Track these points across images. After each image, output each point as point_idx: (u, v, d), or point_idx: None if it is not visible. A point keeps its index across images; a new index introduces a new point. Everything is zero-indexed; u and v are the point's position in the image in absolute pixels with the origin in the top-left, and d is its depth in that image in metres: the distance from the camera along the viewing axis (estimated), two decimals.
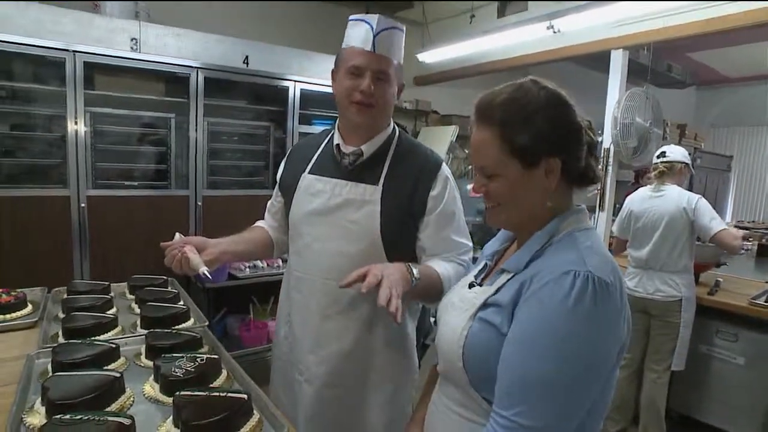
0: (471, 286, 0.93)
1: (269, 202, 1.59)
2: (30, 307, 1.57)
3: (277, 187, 1.52)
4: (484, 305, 0.84)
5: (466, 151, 5.73)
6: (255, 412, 0.95)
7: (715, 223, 2.52)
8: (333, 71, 1.32)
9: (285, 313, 1.43)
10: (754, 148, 8.03)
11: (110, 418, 0.84)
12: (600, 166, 0.90)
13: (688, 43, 4.45)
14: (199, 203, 2.99)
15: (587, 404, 0.75)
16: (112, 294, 1.67)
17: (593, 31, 3.46)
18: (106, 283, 1.75)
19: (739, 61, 6.48)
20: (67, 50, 2.52)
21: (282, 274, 1.51)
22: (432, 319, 2.14)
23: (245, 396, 0.94)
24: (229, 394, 0.94)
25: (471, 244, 1.35)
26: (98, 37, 2.59)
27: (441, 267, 1.23)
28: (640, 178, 5.05)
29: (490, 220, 0.89)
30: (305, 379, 1.34)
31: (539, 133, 0.81)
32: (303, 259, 1.34)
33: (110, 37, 2.63)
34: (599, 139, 3.50)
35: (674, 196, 2.62)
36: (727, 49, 5.83)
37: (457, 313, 0.88)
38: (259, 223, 1.59)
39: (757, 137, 8.04)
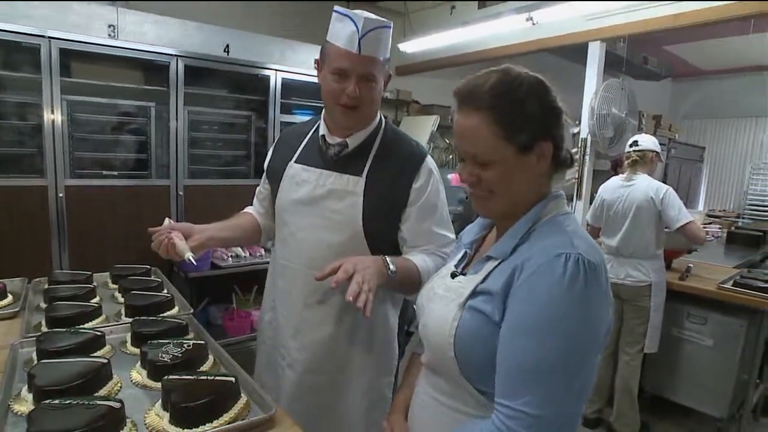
0: (453, 275, 0.92)
1: (257, 189, 1.60)
2: (10, 297, 1.55)
3: (264, 174, 1.53)
4: (473, 294, 0.83)
5: (447, 141, 5.77)
6: (242, 395, 0.98)
7: (682, 215, 2.60)
8: (318, 61, 1.30)
9: (270, 299, 1.46)
10: (726, 140, 8.25)
11: (99, 402, 0.86)
12: (576, 153, 0.91)
13: (664, 35, 4.54)
14: (180, 193, 2.97)
15: (591, 384, 0.76)
16: (94, 284, 1.67)
17: (571, 23, 3.52)
18: (89, 272, 1.74)
19: (713, 54, 6.64)
20: (42, 36, 2.45)
21: (265, 263, 1.55)
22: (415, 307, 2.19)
23: (233, 379, 0.96)
24: (217, 378, 0.96)
25: (453, 236, 1.36)
26: (75, 23, 2.53)
27: (419, 259, 1.26)
28: (617, 168, 5.17)
29: (480, 209, 0.88)
30: (287, 364, 1.37)
31: (532, 117, 0.80)
32: (287, 248, 1.37)
33: (87, 23, 2.57)
34: (576, 130, 3.57)
35: (643, 186, 2.70)
36: (702, 43, 5.97)
37: (444, 303, 0.87)
38: (247, 209, 1.61)
39: (728, 129, 8.26)
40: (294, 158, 1.38)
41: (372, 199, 1.27)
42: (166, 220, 1.32)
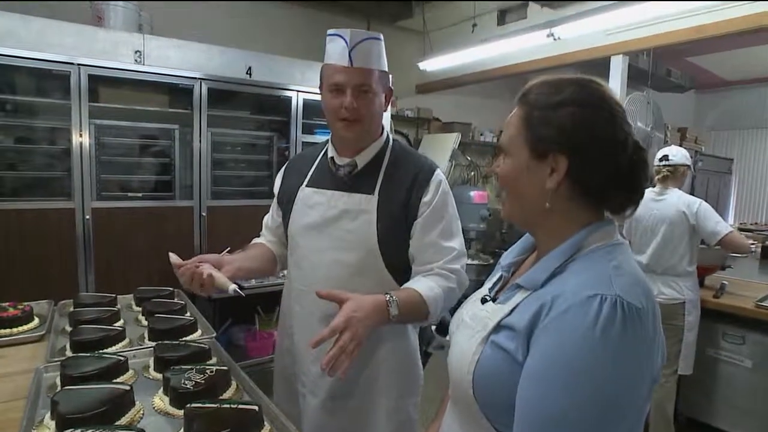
0: (484, 301, 0.86)
1: (266, 218, 1.59)
2: (36, 320, 1.57)
3: (275, 202, 1.52)
4: (497, 327, 0.76)
5: (469, 158, 5.75)
6: (266, 423, 0.95)
7: (720, 226, 2.52)
8: (320, 87, 1.32)
9: (287, 325, 1.43)
10: (755, 151, 8.04)
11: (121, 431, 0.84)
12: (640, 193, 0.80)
13: (687, 47, 4.47)
14: (204, 214, 3.00)
15: None
16: (118, 306, 1.67)
17: (592, 37, 3.49)
18: (113, 295, 1.76)
19: (737, 64, 6.52)
20: (71, 63, 2.53)
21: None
22: (433, 328, 2.14)
23: (256, 408, 0.94)
24: (240, 406, 0.94)
25: (463, 248, 1.34)
26: (102, 50, 2.61)
27: (426, 288, 1.22)
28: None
29: (503, 212, 0.85)
30: (309, 390, 1.34)
31: (556, 126, 0.74)
32: (302, 272, 1.35)
33: (114, 50, 2.65)
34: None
35: (674, 201, 2.63)
36: (726, 53, 5.87)
37: (469, 334, 0.81)
38: (257, 240, 1.57)
39: (756, 139, 8.06)
40: (305, 183, 1.38)
41: (385, 216, 1.28)
42: (172, 256, 1.25)
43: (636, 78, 4.56)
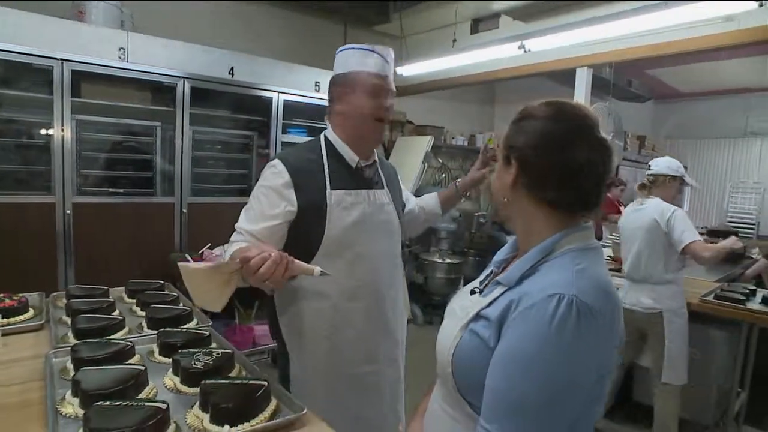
0: (473, 292, 0.97)
1: (260, 229, 1.39)
2: (32, 311, 1.62)
3: (289, 216, 1.41)
4: (476, 317, 0.87)
5: (440, 161, 5.92)
6: (272, 398, 1.06)
7: (685, 235, 2.52)
8: (340, 93, 1.45)
9: (323, 329, 1.44)
10: (706, 159, 8.55)
11: (147, 404, 0.94)
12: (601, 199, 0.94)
13: (646, 61, 4.76)
14: (184, 210, 3.05)
15: (564, 424, 0.77)
16: (111, 298, 1.74)
17: (560, 49, 3.70)
18: (105, 287, 1.81)
19: (692, 78, 6.93)
20: (54, 58, 2.55)
21: None
22: None
23: (265, 382, 1.04)
24: (251, 381, 1.04)
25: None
26: (86, 46, 2.64)
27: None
28: (612, 186, 5.35)
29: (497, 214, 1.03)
30: (387, 364, 1.54)
31: (515, 136, 0.89)
32: (355, 267, 1.42)
33: (98, 46, 2.68)
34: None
35: (651, 209, 2.65)
36: (681, 67, 6.24)
37: (455, 321, 0.92)
38: (245, 244, 1.35)
39: (708, 149, 8.56)
40: (329, 186, 1.41)
41: (395, 204, 1.56)
42: (206, 249, 1.27)
43: (599, 87, 4.82)
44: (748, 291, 2.82)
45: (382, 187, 1.54)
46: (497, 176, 0.94)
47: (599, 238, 4.19)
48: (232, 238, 1.43)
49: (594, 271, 0.81)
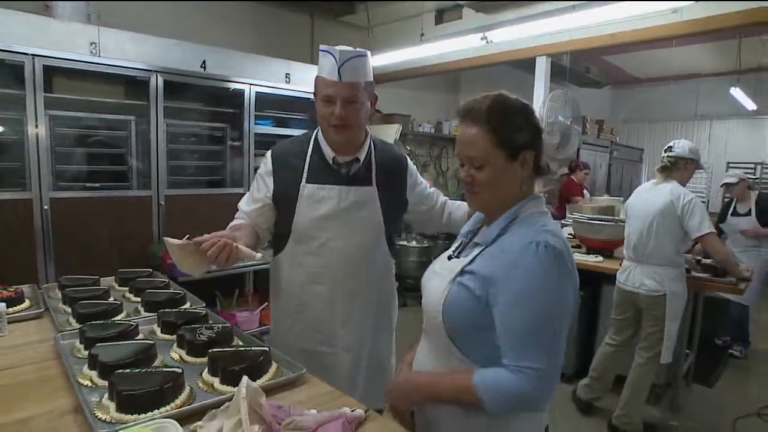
0: (450, 258, 1.13)
1: (243, 206, 1.64)
2: (28, 301, 1.69)
3: (268, 201, 1.58)
4: (462, 272, 1.04)
5: (408, 148, 6.08)
6: (273, 362, 1.19)
7: (704, 225, 2.52)
8: (314, 94, 1.54)
9: (292, 305, 1.61)
10: (661, 142, 8.88)
11: (164, 369, 1.05)
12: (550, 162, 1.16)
13: (603, 49, 5.02)
14: (162, 203, 3.09)
15: (564, 339, 0.98)
16: (103, 287, 1.82)
17: (521, 39, 3.89)
18: (95, 276, 1.89)
19: (646, 63, 7.27)
20: (26, 54, 2.55)
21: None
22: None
23: (267, 348, 1.17)
24: (253, 348, 1.17)
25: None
26: (57, 41, 2.64)
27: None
28: (575, 169, 5.60)
29: (473, 204, 1.11)
30: (342, 348, 1.60)
31: (519, 132, 1.02)
32: (320, 257, 1.55)
33: (69, 41, 2.68)
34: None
35: (666, 191, 2.63)
36: (636, 54, 6.56)
37: (440, 279, 1.08)
38: (241, 221, 1.61)
39: (662, 131, 9.01)
40: (304, 179, 1.54)
41: (385, 202, 1.58)
42: (185, 238, 1.35)
43: (558, 74, 5.05)
44: (694, 261, 3.09)
45: (369, 184, 1.56)
46: (502, 175, 1.03)
47: (562, 217, 4.42)
48: (235, 215, 1.64)
49: (551, 227, 1.03)
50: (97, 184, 2.95)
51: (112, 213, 2.93)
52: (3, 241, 2.59)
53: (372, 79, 1.54)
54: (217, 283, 3.25)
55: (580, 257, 3.39)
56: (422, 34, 4.35)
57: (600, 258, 3.38)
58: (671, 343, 2.67)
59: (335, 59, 1.42)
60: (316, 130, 1.61)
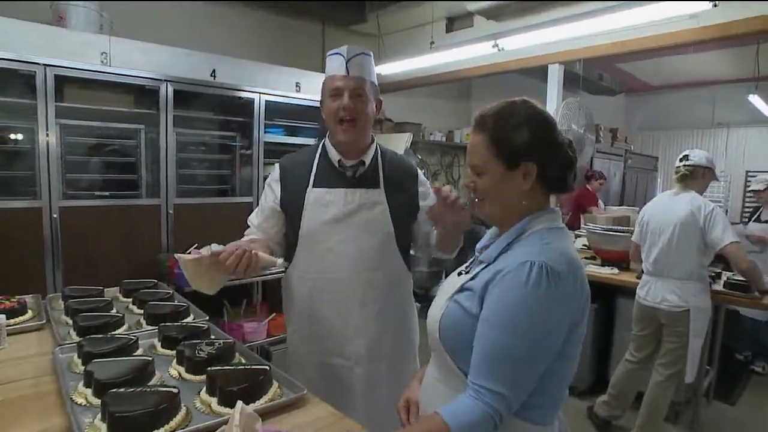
0: (460, 273, 1.09)
1: (253, 220, 1.63)
2: (30, 312, 1.67)
3: (277, 209, 1.59)
4: (461, 289, 1.01)
5: (419, 157, 6.04)
6: (274, 381, 1.14)
7: (727, 235, 2.42)
8: (320, 101, 1.55)
9: (304, 316, 1.58)
10: (676, 150, 8.82)
11: (159, 389, 1.01)
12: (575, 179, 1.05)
13: (616, 56, 4.95)
14: (171, 211, 3.08)
15: (540, 371, 0.90)
16: (107, 298, 1.79)
17: (533, 47, 3.84)
18: (100, 288, 1.87)
19: (660, 71, 7.17)
20: (37, 63, 2.56)
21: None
22: None
23: (267, 367, 1.13)
24: (254, 366, 1.13)
25: None
26: (68, 51, 2.65)
27: None
28: (590, 179, 5.52)
29: (475, 212, 1.07)
30: (355, 362, 1.54)
31: (520, 142, 0.97)
32: (327, 261, 1.52)
33: (80, 51, 2.69)
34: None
35: (686, 201, 2.55)
36: (650, 61, 6.46)
37: (442, 295, 1.06)
38: (253, 236, 1.60)
39: (679, 139, 8.86)
40: (310, 185, 1.54)
41: (393, 204, 1.55)
42: (214, 246, 1.32)
43: (571, 82, 4.99)
44: (714, 274, 2.99)
45: (377, 186, 1.55)
46: (505, 188, 0.99)
47: (576, 227, 4.34)
48: (246, 232, 1.64)
49: (559, 245, 0.95)
50: (106, 193, 2.95)
51: (120, 222, 2.92)
52: (12, 250, 2.59)
53: (376, 82, 1.57)
54: (225, 293, 3.19)
55: (595, 269, 3.30)
56: (432, 42, 4.31)
57: (615, 270, 3.29)
58: (695, 361, 2.56)
59: (343, 56, 1.47)
60: (324, 139, 1.61)
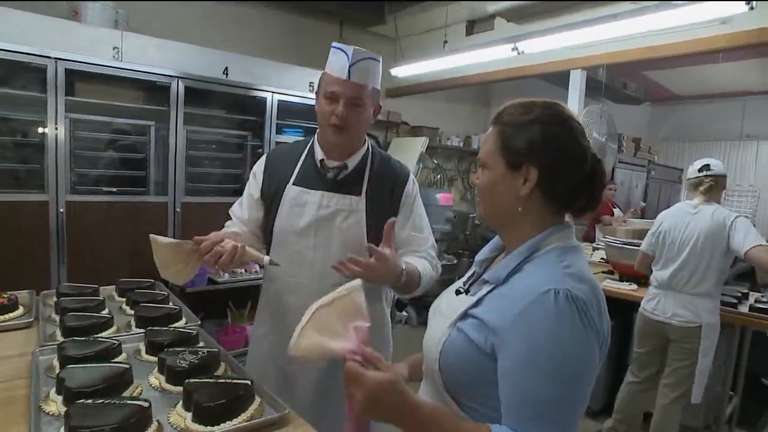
0: (458, 293, 0.98)
1: (236, 209, 1.60)
2: (21, 309, 1.61)
3: (253, 195, 1.54)
4: (465, 315, 0.88)
5: (435, 162, 5.94)
6: (256, 396, 1.06)
7: (748, 240, 2.32)
8: (316, 92, 1.46)
9: (266, 313, 1.55)
10: None
11: (129, 402, 0.94)
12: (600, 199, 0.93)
13: (641, 63, 4.79)
14: (178, 209, 3.05)
15: (581, 411, 0.81)
16: (101, 297, 1.74)
17: (554, 51, 3.72)
18: (95, 286, 1.81)
19: (687, 81, 6.95)
20: (48, 57, 2.55)
21: (259, 279, 1.61)
22: None
23: (249, 382, 1.05)
24: (234, 380, 1.05)
25: (431, 238, 1.56)
26: (80, 45, 2.64)
27: (421, 266, 1.41)
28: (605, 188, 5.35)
29: (479, 212, 0.98)
30: (318, 379, 1.46)
31: (527, 142, 0.86)
32: (294, 266, 1.45)
33: (92, 46, 2.67)
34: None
35: (710, 213, 2.45)
36: (677, 70, 6.26)
37: (442, 319, 0.93)
38: (232, 229, 1.55)
39: (704, 151, 8.57)
40: (291, 181, 1.48)
41: (372, 216, 1.44)
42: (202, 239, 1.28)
43: (594, 89, 4.84)
44: (740, 294, 2.83)
45: (357, 194, 1.45)
46: (503, 188, 0.90)
47: (592, 239, 4.19)
48: (226, 224, 1.58)
49: (578, 268, 0.85)
50: (114, 189, 2.93)
51: (127, 218, 2.89)
52: (17, 243, 2.57)
53: (379, 87, 1.47)
54: (230, 294, 3.18)
55: (613, 285, 3.16)
56: (446, 41, 4.21)
57: (634, 286, 3.14)
58: (703, 381, 2.45)
59: (347, 57, 1.36)
60: (314, 135, 1.54)
